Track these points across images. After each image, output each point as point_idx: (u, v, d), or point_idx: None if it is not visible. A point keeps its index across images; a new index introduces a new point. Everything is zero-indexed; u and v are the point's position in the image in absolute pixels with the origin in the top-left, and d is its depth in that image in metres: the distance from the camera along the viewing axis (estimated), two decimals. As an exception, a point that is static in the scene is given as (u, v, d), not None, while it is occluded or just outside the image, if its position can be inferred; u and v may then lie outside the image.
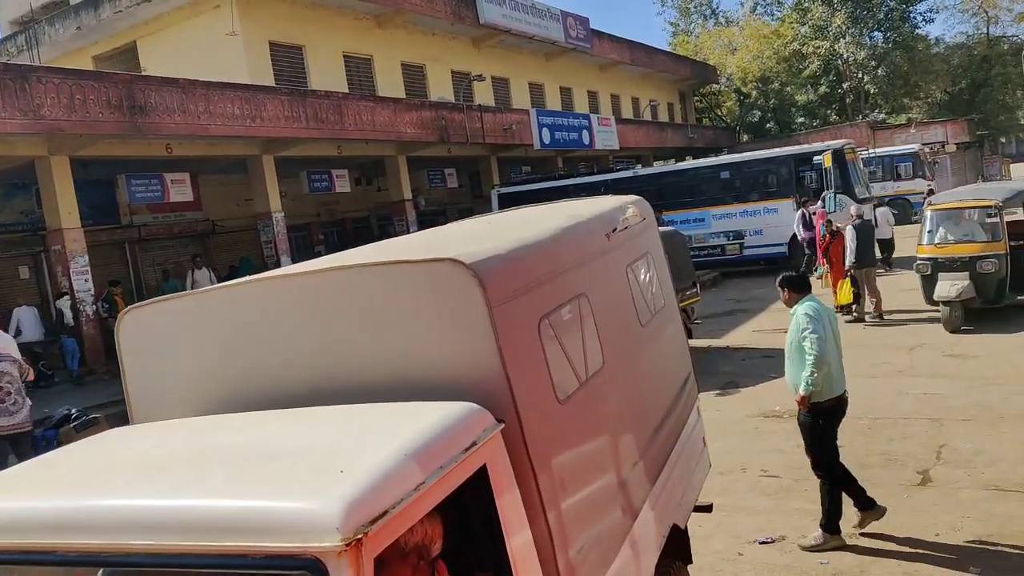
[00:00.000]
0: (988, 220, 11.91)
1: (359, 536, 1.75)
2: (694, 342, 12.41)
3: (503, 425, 2.48)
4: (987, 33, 51.32)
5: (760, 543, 5.88)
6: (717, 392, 10.23)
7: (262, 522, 1.82)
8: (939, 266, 11.94)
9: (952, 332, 11.58)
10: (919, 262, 12.26)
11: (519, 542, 2.41)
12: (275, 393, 2.80)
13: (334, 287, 2.81)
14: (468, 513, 2.54)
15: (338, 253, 4.09)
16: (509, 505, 2.41)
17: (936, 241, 12.26)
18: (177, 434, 2.57)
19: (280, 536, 1.78)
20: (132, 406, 3.11)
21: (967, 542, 5.55)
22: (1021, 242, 12.02)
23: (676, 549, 4.06)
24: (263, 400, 2.80)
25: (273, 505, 1.86)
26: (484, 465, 2.33)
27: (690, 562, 4.36)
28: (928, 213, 12.60)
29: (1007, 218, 12.24)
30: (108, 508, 2.01)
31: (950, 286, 11.62)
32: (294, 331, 2.83)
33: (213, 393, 2.92)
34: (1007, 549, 5.39)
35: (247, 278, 3.19)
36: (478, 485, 2.35)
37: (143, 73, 18.96)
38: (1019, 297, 12.25)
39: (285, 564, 1.76)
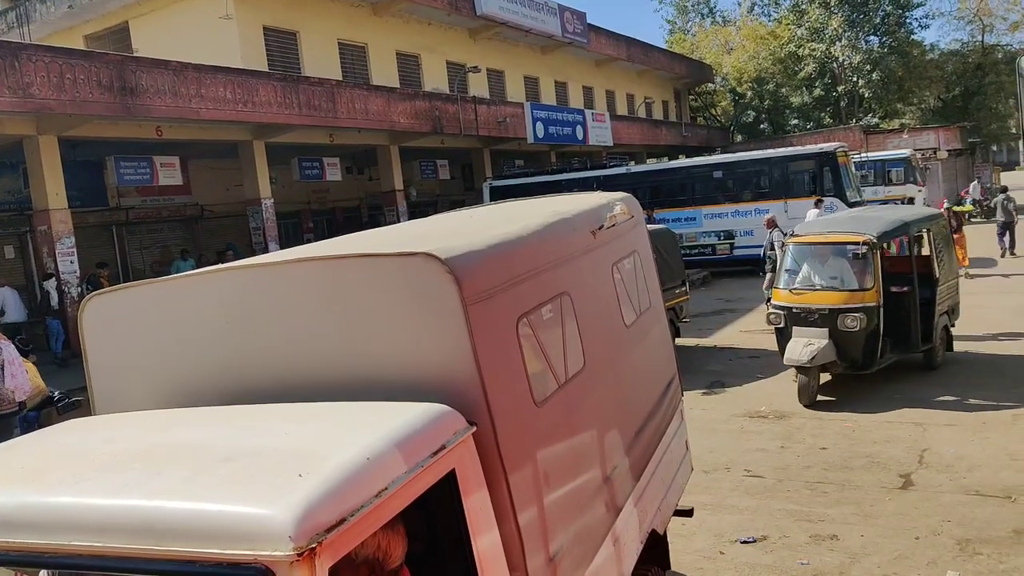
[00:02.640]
0: (857, 261, 9.15)
1: (313, 545, 1.67)
2: (682, 340, 12.41)
3: (475, 428, 2.39)
4: (982, 41, 51.48)
5: (742, 542, 5.88)
6: (703, 391, 10.20)
7: (212, 527, 1.73)
8: (794, 318, 9.24)
9: (807, 405, 8.95)
10: (771, 311, 9.71)
11: (487, 550, 2.33)
12: (242, 387, 2.71)
13: (304, 279, 2.72)
14: (436, 516, 2.46)
15: (319, 242, 4.01)
16: (478, 511, 2.33)
17: (792, 286, 9.48)
18: (136, 428, 2.47)
19: (230, 542, 1.69)
20: (94, 396, 3.02)
21: (946, 546, 5.55)
22: (904, 287, 9.53)
23: (654, 555, 4.00)
24: (229, 394, 2.71)
25: (224, 509, 1.77)
26: (453, 469, 2.26)
27: (668, 568, 4.30)
28: (788, 248, 9.92)
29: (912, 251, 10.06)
30: (53, 506, 1.92)
31: (803, 347, 8.93)
32: (262, 323, 2.74)
33: (178, 385, 2.83)
34: (986, 553, 5.39)
35: (215, 267, 3.10)
36: (447, 487, 2.27)
37: (135, 54, 18.76)
38: (916, 352, 9.74)
39: (235, 572, 1.68)
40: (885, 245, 9.75)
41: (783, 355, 9.27)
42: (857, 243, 9.11)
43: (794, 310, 9.30)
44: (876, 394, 9.19)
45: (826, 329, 8.97)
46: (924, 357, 9.94)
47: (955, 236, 14.94)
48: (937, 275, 9.97)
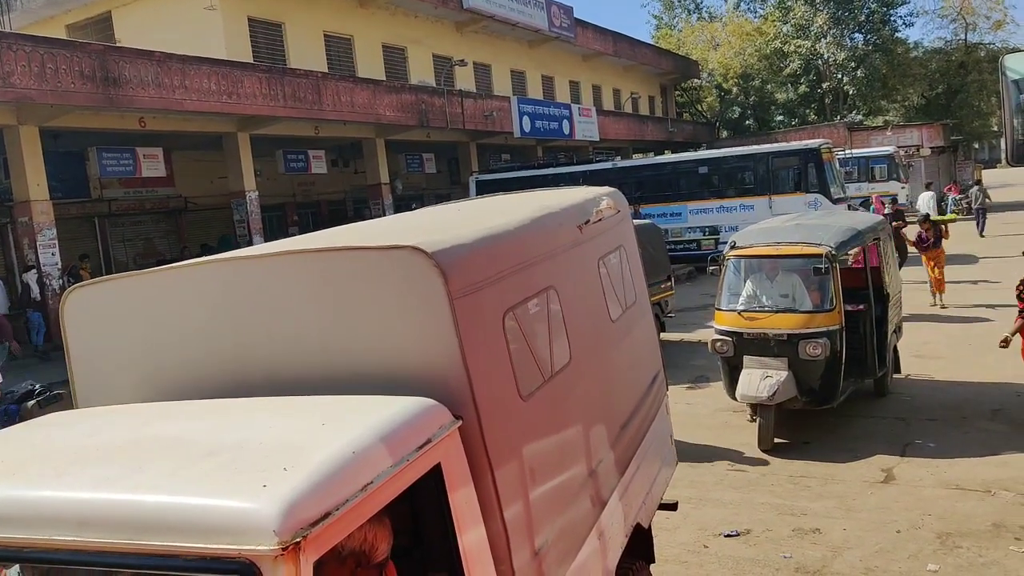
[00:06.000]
0: (816, 276, 7.89)
1: (297, 540, 1.66)
2: (666, 335, 12.44)
3: (460, 422, 2.39)
4: (965, 39, 51.81)
5: (726, 536, 5.92)
6: (688, 385, 10.25)
7: (196, 521, 1.72)
8: (745, 345, 7.91)
9: (766, 450, 7.66)
10: (716, 337, 8.20)
11: (472, 543, 2.33)
12: (226, 381, 2.69)
13: (289, 272, 2.69)
14: (421, 510, 2.45)
15: (304, 235, 3.99)
16: (463, 505, 2.33)
17: (740, 307, 8.13)
18: (118, 422, 2.45)
19: (214, 537, 1.68)
20: (76, 390, 2.98)
21: (927, 539, 5.61)
22: (860, 306, 8.45)
23: (639, 548, 4.01)
24: (214, 387, 2.69)
25: (208, 503, 1.76)
26: (439, 463, 2.25)
27: (652, 561, 4.32)
28: (729, 262, 8.47)
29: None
30: (34, 500, 1.90)
31: (761, 380, 7.63)
32: (247, 317, 2.72)
33: (161, 379, 2.80)
34: (966, 547, 5.46)
35: (199, 259, 3.07)
36: (433, 481, 2.27)
37: (117, 44, 18.57)
38: (871, 378, 8.67)
39: (218, 567, 1.66)
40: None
41: (732, 390, 8.02)
42: (817, 256, 7.77)
43: (745, 336, 7.91)
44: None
45: (785, 359, 7.68)
46: (875, 384, 8.93)
47: (933, 253, 14.07)
48: (888, 289, 9.00)
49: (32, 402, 8.52)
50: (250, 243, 17.95)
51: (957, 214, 25.62)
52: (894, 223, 15.32)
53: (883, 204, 23.61)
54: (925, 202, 22.10)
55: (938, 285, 14.01)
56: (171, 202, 21.57)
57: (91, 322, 2.96)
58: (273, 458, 1.92)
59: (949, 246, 15.86)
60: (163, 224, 22.15)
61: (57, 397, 8.58)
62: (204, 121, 17.66)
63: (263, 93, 17.62)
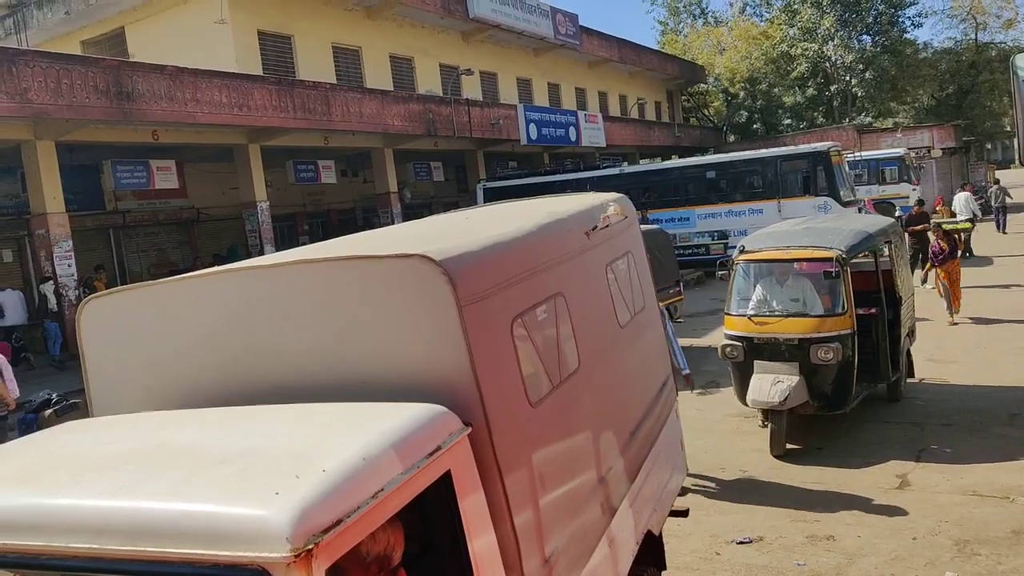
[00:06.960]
0: (827, 280, 7.88)
1: (310, 546, 1.68)
2: (677, 341, 12.40)
3: (470, 429, 2.41)
4: (975, 39, 51.56)
5: (738, 543, 5.89)
6: (698, 391, 10.20)
7: (209, 528, 1.74)
8: (755, 350, 7.86)
9: (778, 456, 7.62)
10: (726, 342, 8.14)
11: (483, 551, 2.34)
12: (239, 389, 2.72)
13: (299, 281, 2.73)
14: (431, 516, 2.47)
15: (314, 244, 4.02)
16: (473, 513, 2.34)
17: (750, 311, 8.09)
18: (132, 430, 2.48)
19: (227, 544, 1.70)
20: (92, 398, 3.03)
21: (944, 547, 5.56)
22: (872, 309, 8.40)
23: (650, 555, 4.01)
24: (226, 395, 2.72)
25: (221, 511, 1.78)
26: (449, 471, 2.27)
27: (664, 569, 4.31)
28: (738, 266, 8.43)
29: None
30: (50, 508, 1.93)
31: (772, 385, 7.58)
32: (258, 325, 2.75)
33: (175, 387, 2.84)
34: (985, 554, 5.40)
35: (211, 269, 3.11)
36: (443, 488, 2.28)
37: (131, 59, 18.76)
38: (884, 383, 8.58)
39: (231, 573, 1.69)
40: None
41: (742, 395, 8.00)
42: (828, 259, 7.75)
43: (755, 341, 7.85)
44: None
45: (796, 363, 7.62)
46: (888, 388, 8.84)
47: (948, 266, 12.91)
48: (900, 293, 8.91)
49: (49, 411, 8.62)
50: (262, 252, 18.07)
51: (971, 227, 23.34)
52: (920, 226, 15.05)
53: (875, 207, 23.21)
54: (962, 203, 20.26)
55: (953, 300, 12.94)
56: (184, 213, 21.75)
57: (106, 332, 3.00)
58: (285, 465, 1.94)
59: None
60: (176, 235, 22.34)
61: (74, 406, 8.68)
62: (215, 133, 17.81)
63: (273, 105, 17.75)
